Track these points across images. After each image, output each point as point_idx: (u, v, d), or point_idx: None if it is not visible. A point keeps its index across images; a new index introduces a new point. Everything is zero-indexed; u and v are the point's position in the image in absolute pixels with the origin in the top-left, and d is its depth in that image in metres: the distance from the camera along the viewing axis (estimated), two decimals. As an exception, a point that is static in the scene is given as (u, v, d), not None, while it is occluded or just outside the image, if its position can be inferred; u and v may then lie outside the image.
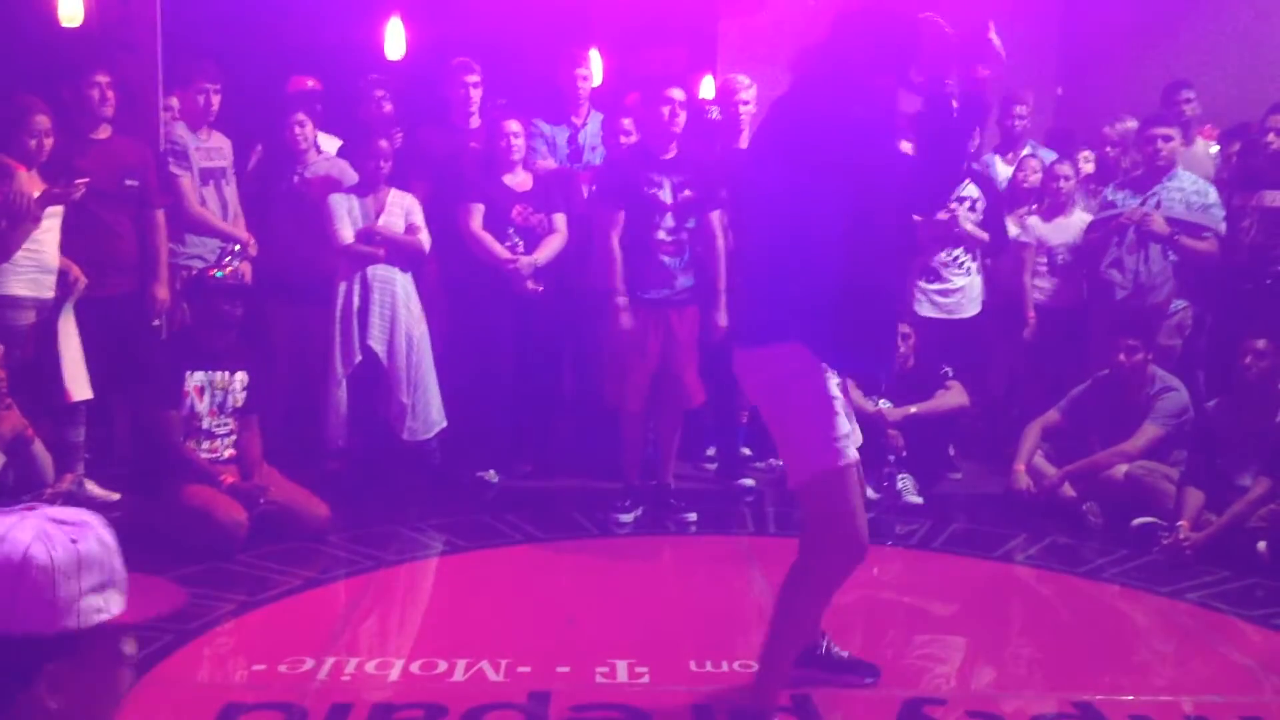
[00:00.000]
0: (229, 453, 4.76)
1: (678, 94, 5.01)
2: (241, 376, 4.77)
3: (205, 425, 4.69)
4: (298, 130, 5.62)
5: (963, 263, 5.92)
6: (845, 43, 2.90)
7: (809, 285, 2.86)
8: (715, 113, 5.79)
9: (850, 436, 2.89)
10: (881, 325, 3.11)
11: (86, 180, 4.81)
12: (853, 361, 3.05)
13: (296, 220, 5.61)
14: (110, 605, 1.43)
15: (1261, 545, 4.67)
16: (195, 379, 4.66)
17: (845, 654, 3.41)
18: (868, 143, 2.86)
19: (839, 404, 2.90)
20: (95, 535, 1.44)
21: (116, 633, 1.45)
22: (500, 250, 5.45)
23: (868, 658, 3.66)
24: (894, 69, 2.89)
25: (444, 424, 5.60)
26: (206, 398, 4.69)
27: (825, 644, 3.38)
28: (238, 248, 5.41)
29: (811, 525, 2.95)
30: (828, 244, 2.83)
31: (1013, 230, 6.13)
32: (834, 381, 2.91)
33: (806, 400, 2.85)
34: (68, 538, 1.41)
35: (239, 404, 4.76)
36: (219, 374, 4.72)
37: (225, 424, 4.75)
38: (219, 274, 4.83)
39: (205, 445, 4.69)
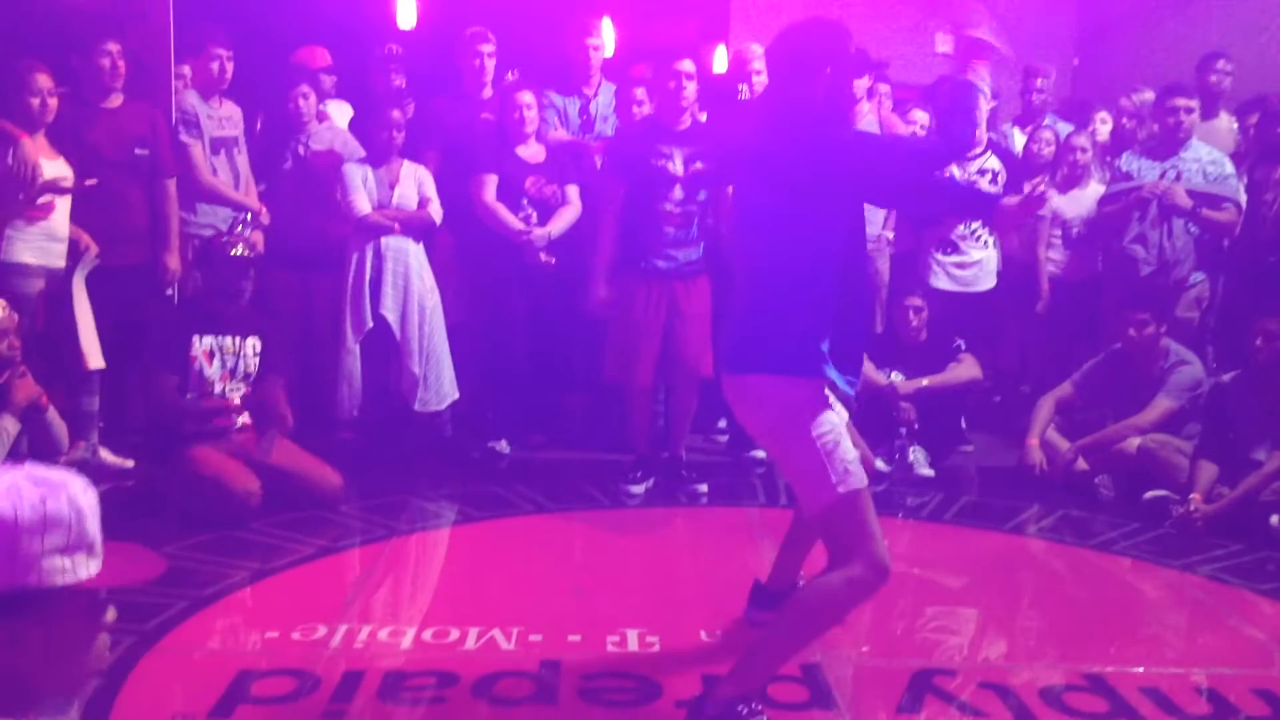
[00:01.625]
0: (243, 420, 4.78)
1: (687, 65, 5.00)
2: (254, 342, 4.79)
3: (217, 390, 4.72)
4: (301, 102, 5.60)
5: (980, 235, 5.89)
6: (781, 59, 2.99)
7: (811, 314, 2.86)
8: (745, 92, 5.75)
9: (857, 460, 2.87)
10: (863, 334, 3.14)
11: (95, 181, 4.82)
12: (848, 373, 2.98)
13: (300, 191, 5.61)
14: (77, 568, 1.43)
15: (1274, 519, 4.66)
16: (204, 343, 4.69)
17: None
18: (858, 149, 2.95)
19: (843, 429, 2.90)
20: (67, 496, 1.43)
21: (85, 596, 1.45)
22: (514, 221, 5.43)
23: (878, 629, 3.68)
24: (827, 68, 2.91)
25: (456, 396, 5.61)
26: (216, 362, 4.71)
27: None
28: (249, 216, 5.42)
29: (833, 550, 2.90)
30: (826, 271, 2.85)
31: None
32: (837, 407, 2.92)
33: (814, 434, 2.82)
34: (38, 495, 1.41)
35: (251, 369, 4.78)
36: (229, 339, 4.74)
37: (238, 388, 4.77)
38: (234, 252, 4.84)
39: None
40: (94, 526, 1.46)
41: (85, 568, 1.44)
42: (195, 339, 4.69)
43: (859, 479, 2.83)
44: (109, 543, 1.48)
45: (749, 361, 2.93)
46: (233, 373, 4.75)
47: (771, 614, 3.22)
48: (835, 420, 2.88)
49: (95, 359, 4.89)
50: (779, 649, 2.94)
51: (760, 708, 2.82)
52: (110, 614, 1.54)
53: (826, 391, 2.90)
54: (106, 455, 5.03)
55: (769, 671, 2.94)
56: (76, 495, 1.44)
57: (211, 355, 4.72)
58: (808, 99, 2.89)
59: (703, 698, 2.88)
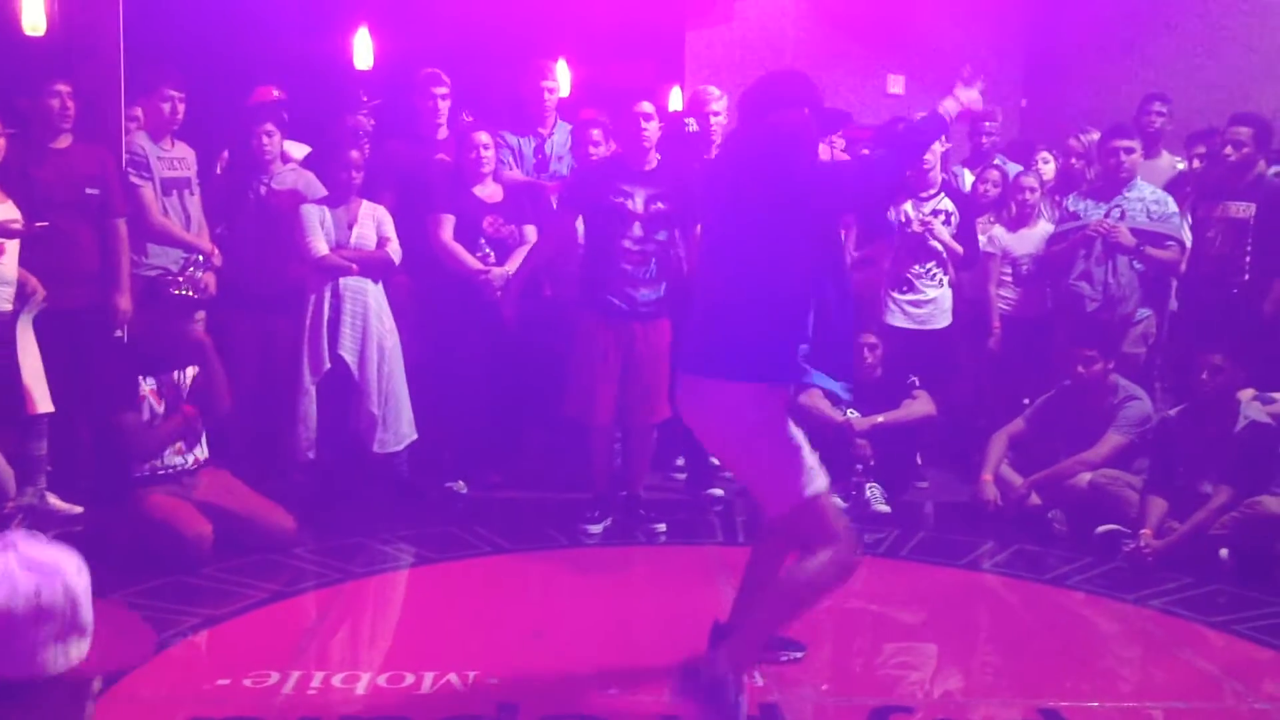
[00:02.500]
0: (192, 459, 4.73)
1: (646, 107, 5.08)
2: (192, 370, 4.77)
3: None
4: (265, 140, 5.58)
5: (935, 275, 5.96)
6: (766, 102, 3.20)
7: (784, 321, 3.00)
8: (693, 125, 5.81)
9: (818, 466, 3.00)
10: (845, 340, 3.26)
11: (45, 224, 4.78)
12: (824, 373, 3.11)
13: (260, 232, 5.58)
14: (71, 653, 1.41)
15: (1224, 552, 4.73)
16: (149, 384, 4.66)
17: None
18: (811, 172, 3.13)
19: (802, 438, 3.04)
20: (62, 584, 1.41)
21: (76, 681, 1.43)
22: (472, 261, 5.44)
23: (836, 666, 3.69)
24: (805, 108, 3.16)
25: (414, 437, 5.58)
26: (163, 401, 4.69)
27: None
28: (200, 258, 5.37)
29: (804, 543, 3.03)
30: (797, 279, 3.00)
31: (980, 241, 6.18)
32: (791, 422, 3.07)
33: (776, 443, 2.97)
34: (33, 585, 1.38)
35: (188, 384, 4.78)
36: (173, 374, 4.73)
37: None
38: (179, 292, 4.83)
39: (171, 448, 4.66)
40: (87, 611, 1.44)
41: (77, 650, 1.43)
42: (141, 379, 4.65)
43: (823, 482, 3.00)
44: (101, 605, 1.45)
45: (718, 368, 3.00)
46: (175, 406, 4.71)
47: None
48: (795, 430, 3.02)
49: (43, 403, 4.81)
50: (766, 628, 3.12)
51: (745, 684, 3.01)
52: (97, 684, 1.52)
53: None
54: (54, 501, 4.94)
55: (758, 649, 3.14)
56: (71, 580, 1.42)
57: (160, 394, 4.68)
58: (783, 125, 3.10)
59: (696, 670, 2.97)
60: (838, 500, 5.33)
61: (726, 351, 2.99)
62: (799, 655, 3.54)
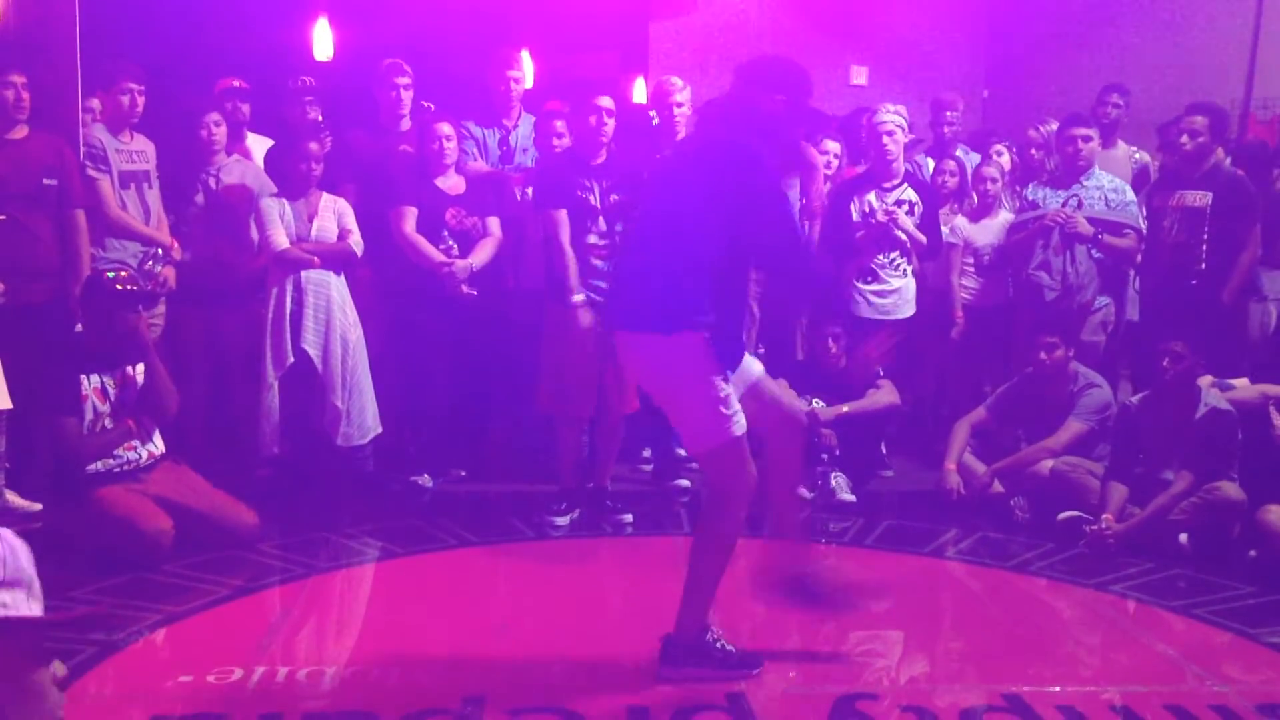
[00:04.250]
0: (149, 451, 4.67)
1: (606, 102, 5.07)
2: (140, 368, 4.65)
3: (109, 426, 4.57)
4: (214, 129, 5.52)
5: (899, 265, 5.99)
6: (747, 78, 3.43)
7: (699, 287, 3.24)
8: (656, 119, 5.81)
9: (740, 412, 3.27)
10: (738, 332, 3.50)
11: (3, 217, 4.68)
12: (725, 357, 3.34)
13: (210, 225, 5.53)
14: (17, 603, 1.42)
15: (1183, 537, 4.79)
16: (93, 381, 4.54)
17: (733, 648, 3.45)
18: (760, 184, 3.28)
19: (729, 389, 3.29)
20: (6, 538, 1.44)
21: (28, 631, 1.44)
22: (435, 253, 5.40)
23: (802, 654, 3.71)
24: (781, 95, 3.37)
25: (379, 430, 5.54)
26: (108, 401, 4.58)
27: (714, 636, 3.42)
28: (160, 251, 5.31)
29: (712, 486, 3.38)
30: (707, 258, 3.25)
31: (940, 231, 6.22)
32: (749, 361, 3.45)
33: (701, 383, 3.23)
34: None
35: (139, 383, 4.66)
36: (123, 370, 4.61)
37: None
38: (120, 286, 4.60)
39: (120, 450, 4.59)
40: (29, 564, 1.46)
41: (26, 605, 1.44)
42: (84, 378, 4.51)
43: (740, 426, 3.25)
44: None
45: (646, 321, 3.27)
46: (122, 405, 4.62)
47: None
48: (721, 375, 3.26)
49: (0, 399, 4.75)
50: (703, 590, 3.37)
51: (718, 633, 3.40)
52: (59, 669, 1.54)
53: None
54: (13, 498, 4.87)
55: (704, 611, 3.39)
56: (6, 534, 1.45)
57: (104, 393, 4.56)
58: (753, 109, 3.31)
59: (667, 647, 3.37)
60: (804, 492, 5.44)
61: (651, 307, 3.27)
62: (756, 672, 3.45)
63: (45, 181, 5.02)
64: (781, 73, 3.42)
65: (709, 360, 3.24)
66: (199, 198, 5.56)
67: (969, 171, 6.49)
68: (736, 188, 3.22)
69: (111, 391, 4.59)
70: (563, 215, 5.00)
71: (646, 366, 3.40)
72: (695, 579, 3.37)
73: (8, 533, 1.46)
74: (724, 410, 3.23)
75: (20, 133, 5.05)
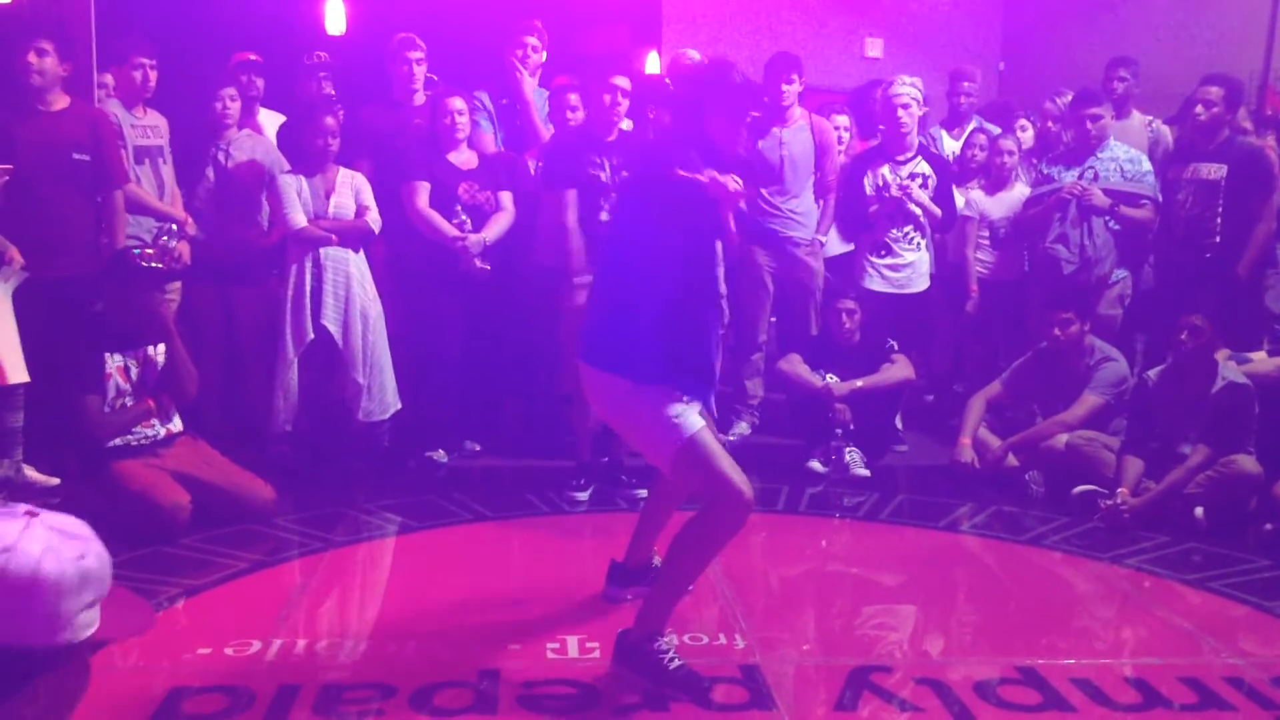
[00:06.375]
0: (168, 428, 4.70)
1: (622, 82, 5.05)
2: (162, 347, 4.68)
3: (129, 405, 4.60)
4: (227, 103, 5.52)
5: (913, 238, 5.96)
6: (691, 94, 3.30)
7: (650, 328, 3.12)
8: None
9: (685, 413, 3.11)
10: (708, 362, 3.29)
11: (9, 168, 4.66)
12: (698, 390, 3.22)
13: (221, 201, 5.53)
14: (95, 620, 1.42)
15: (1199, 511, 4.78)
16: (116, 360, 4.57)
17: (680, 663, 3.25)
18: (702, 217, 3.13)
19: (680, 404, 3.13)
20: (97, 552, 1.42)
21: (93, 648, 1.44)
22: (448, 228, 5.40)
23: (817, 627, 3.72)
24: (702, 107, 3.22)
25: (399, 406, 5.56)
26: (129, 380, 4.60)
27: (663, 645, 3.25)
28: (174, 227, 5.32)
29: (699, 494, 3.21)
30: (663, 293, 3.11)
31: (958, 204, 6.19)
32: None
33: (646, 403, 3.13)
34: (75, 553, 1.39)
35: (160, 363, 4.68)
36: (145, 350, 4.64)
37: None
38: (149, 264, 4.63)
39: (139, 426, 4.62)
40: (110, 577, 1.45)
41: (99, 618, 1.44)
42: (107, 356, 4.55)
43: (692, 423, 3.10)
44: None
45: (603, 360, 3.20)
46: (144, 383, 4.64)
47: (628, 590, 3.74)
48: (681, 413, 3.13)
49: (16, 373, 4.76)
50: (673, 589, 3.26)
51: (670, 638, 3.24)
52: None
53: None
54: (31, 473, 4.90)
55: (667, 610, 3.25)
56: (101, 549, 1.43)
57: (126, 372, 4.59)
58: (693, 137, 3.18)
59: (620, 640, 3.23)
60: (817, 464, 5.45)
61: (608, 347, 3.20)
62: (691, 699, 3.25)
63: (76, 156, 4.94)
64: (693, 84, 3.33)
65: (669, 397, 3.12)
66: (209, 172, 5.56)
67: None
68: (683, 230, 3.12)
69: (134, 371, 4.61)
70: (571, 196, 5.00)
71: (609, 404, 3.29)
72: (668, 577, 3.27)
73: (100, 547, 1.43)
74: (673, 419, 3.09)
75: (59, 104, 4.97)
